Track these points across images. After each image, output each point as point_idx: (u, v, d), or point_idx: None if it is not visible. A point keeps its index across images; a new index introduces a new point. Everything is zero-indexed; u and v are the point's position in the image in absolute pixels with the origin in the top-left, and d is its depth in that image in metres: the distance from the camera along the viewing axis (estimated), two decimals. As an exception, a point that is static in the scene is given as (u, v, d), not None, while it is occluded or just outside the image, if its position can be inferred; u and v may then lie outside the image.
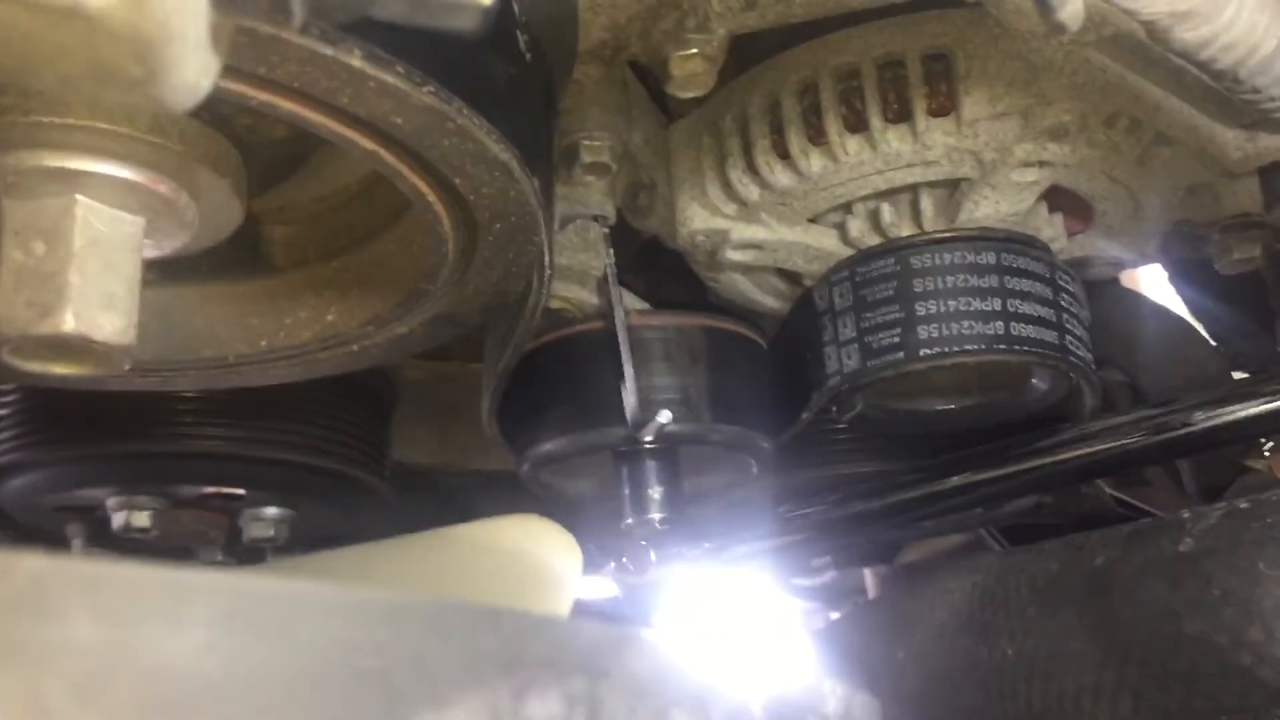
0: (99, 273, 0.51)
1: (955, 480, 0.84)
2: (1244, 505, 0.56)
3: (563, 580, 0.65)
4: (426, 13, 0.30)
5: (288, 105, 0.45)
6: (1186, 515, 0.58)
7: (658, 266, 0.91)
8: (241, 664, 0.22)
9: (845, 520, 0.88)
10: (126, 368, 0.53)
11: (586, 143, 0.72)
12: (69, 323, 0.49)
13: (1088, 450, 0.79)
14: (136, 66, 0.28)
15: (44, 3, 0.27)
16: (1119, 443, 0.77)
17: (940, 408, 0.82)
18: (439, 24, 0.31)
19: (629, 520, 0.79)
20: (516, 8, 0.52)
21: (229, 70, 0.43)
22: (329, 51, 0.41)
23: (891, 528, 0.93)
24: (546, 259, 0.59)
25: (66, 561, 0.20)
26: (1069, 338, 0.73)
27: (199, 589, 0.21)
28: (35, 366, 0.52)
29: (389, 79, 0.43)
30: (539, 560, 0.65)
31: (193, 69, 0.30)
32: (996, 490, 0.83)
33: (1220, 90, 0.56)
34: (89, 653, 0.20)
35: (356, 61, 0.42)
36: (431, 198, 0.52)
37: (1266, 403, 0.73)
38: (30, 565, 0.20)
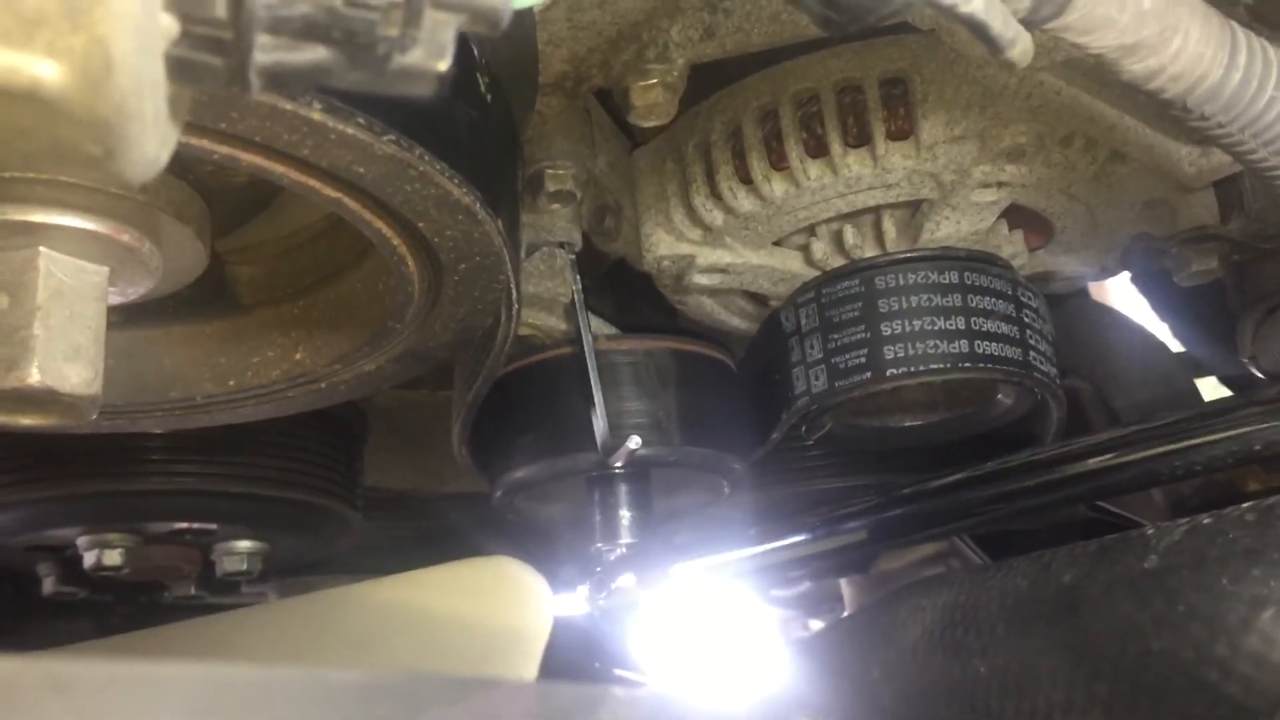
0: (64, 324, 0.51)
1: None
2: (1208, 521, 0.57)
3: (533, 625, 0.65)
4: (383, 82, 0.30)
5: (249, 158, 0.45)
6: (1151, 531, 0.58)
7: (627, 288, 0.91)
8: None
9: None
10: (93, 417, 0.53)
11: (551, 171, 0.72)
12: (34, 376, 0.49)
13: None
14: (95, 146, 0.28)
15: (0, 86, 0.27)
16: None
17: (908, 424, 0.83)
18: (395, 91, 0.31)
19: (600, 545, 0.80)
20: (476, 50, 0.52)
21: (190, 126, 0.43)
22: (289, 106, 0.42)
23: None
24: (514, 294, 0.59)
25: (38, 662, 0.20)
26: (1033, 353, 0.74)
27: (169, 683, 0.21)
28: (1, 419, 0.52)
29: (350, 131, 0.44)
30: (508, 605, 0.65)
31: (152, 144, 0.30)
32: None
33: (1172, 110, 0.57)
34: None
35: (317, 115, 0.42)
36: (395, 241, 0.52)
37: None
38: (1, 667, 0.20)
